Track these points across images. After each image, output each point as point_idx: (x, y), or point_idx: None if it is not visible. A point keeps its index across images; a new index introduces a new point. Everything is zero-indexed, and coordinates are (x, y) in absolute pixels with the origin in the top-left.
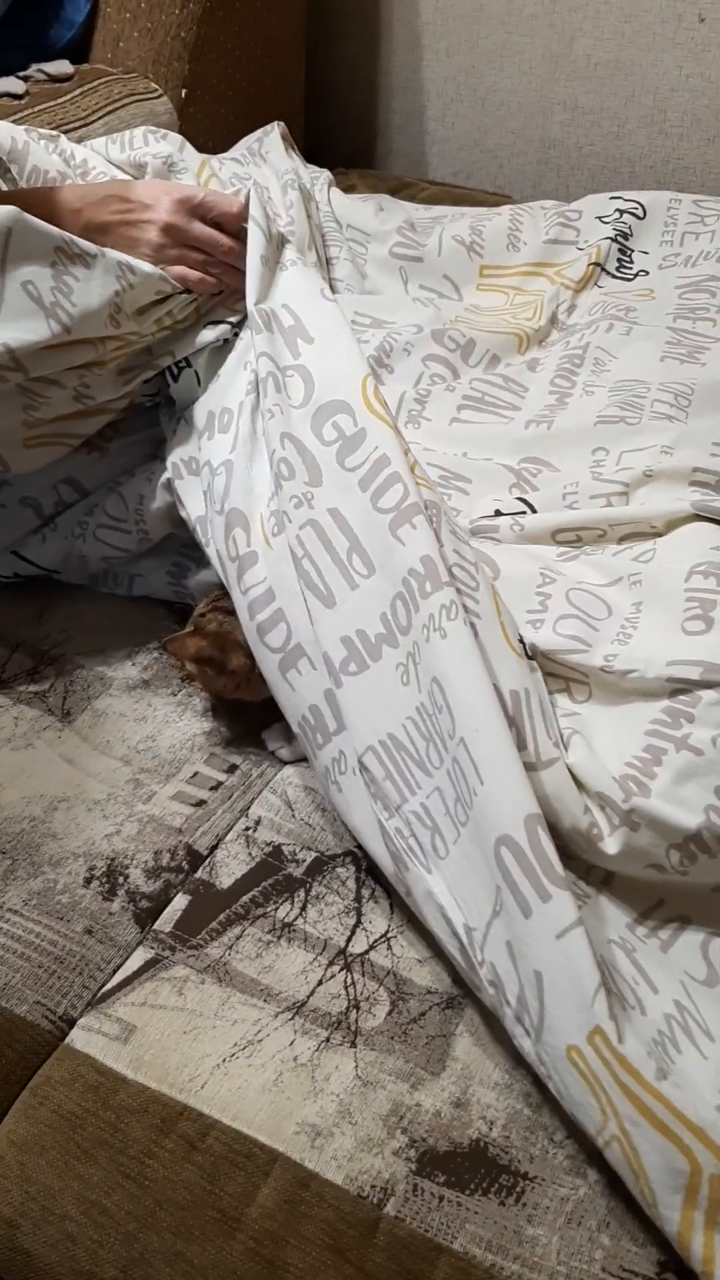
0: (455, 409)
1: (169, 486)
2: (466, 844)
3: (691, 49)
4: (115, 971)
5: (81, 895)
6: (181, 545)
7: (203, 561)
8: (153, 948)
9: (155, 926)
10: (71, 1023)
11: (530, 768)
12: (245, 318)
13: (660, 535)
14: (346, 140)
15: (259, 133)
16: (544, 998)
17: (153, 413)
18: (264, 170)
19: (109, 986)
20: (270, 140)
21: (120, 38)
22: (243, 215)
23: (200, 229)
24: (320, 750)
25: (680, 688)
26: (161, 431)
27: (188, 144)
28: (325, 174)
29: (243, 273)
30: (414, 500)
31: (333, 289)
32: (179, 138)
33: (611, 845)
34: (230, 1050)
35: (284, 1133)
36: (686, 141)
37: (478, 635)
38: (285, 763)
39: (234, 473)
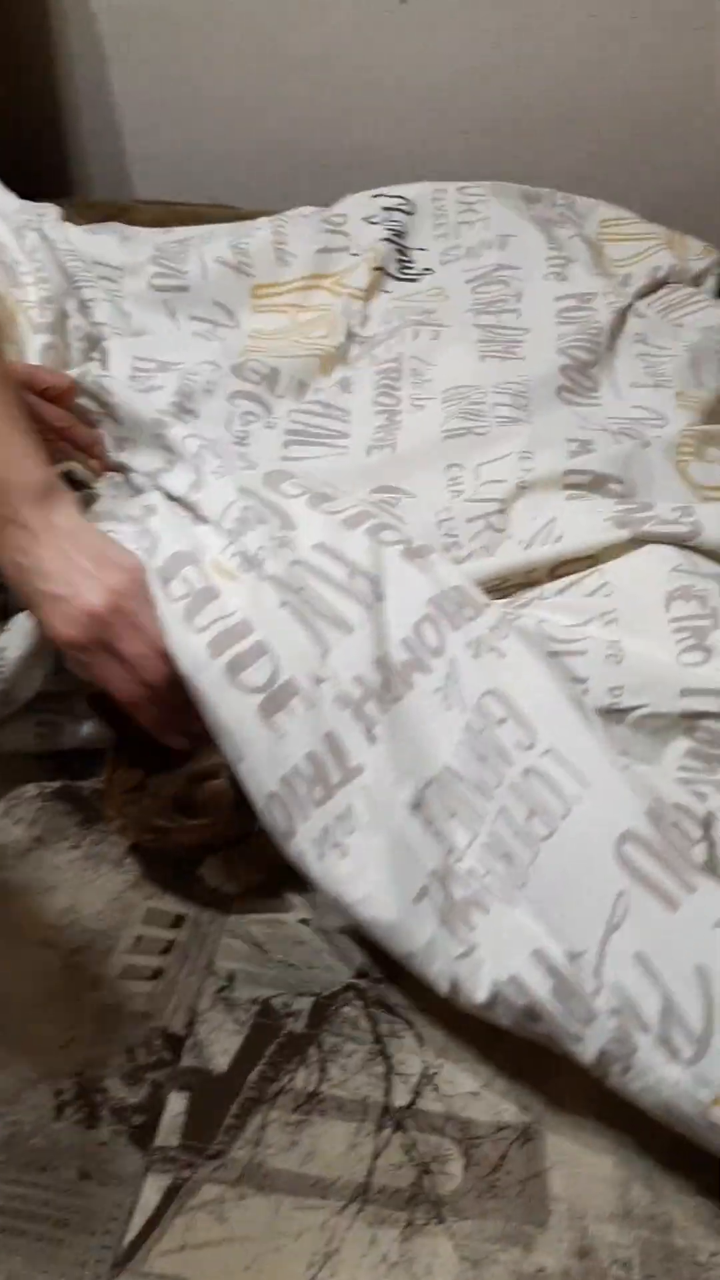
0: (281, 445)
1: None
2: (552, 861)
3: (397, 33)
4: (132, 1214)
5: (57, 1132)
6: (48, 701)
7: (79, 713)
8: (167, 1170)
9: (158, 1143)
10: None
11: None
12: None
13: (597, 563)
14: (37, 170)
15: None
16: (711, 992)
17: None
18: None
19: (132, 1237)
20: None
21: None
22: (74, 390)
23: (32, 399)
24: (316, 809)
25: (694, 724)
26: None
27: None
28: (53, 209)
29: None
30: (422, 543)
31: (98, 334)
32: None
33: (697, 853)
34: (308, 1272)
35: None
36: (409, 128)
37: (531, 646)
38: (232, 897)
39: (162, 538)
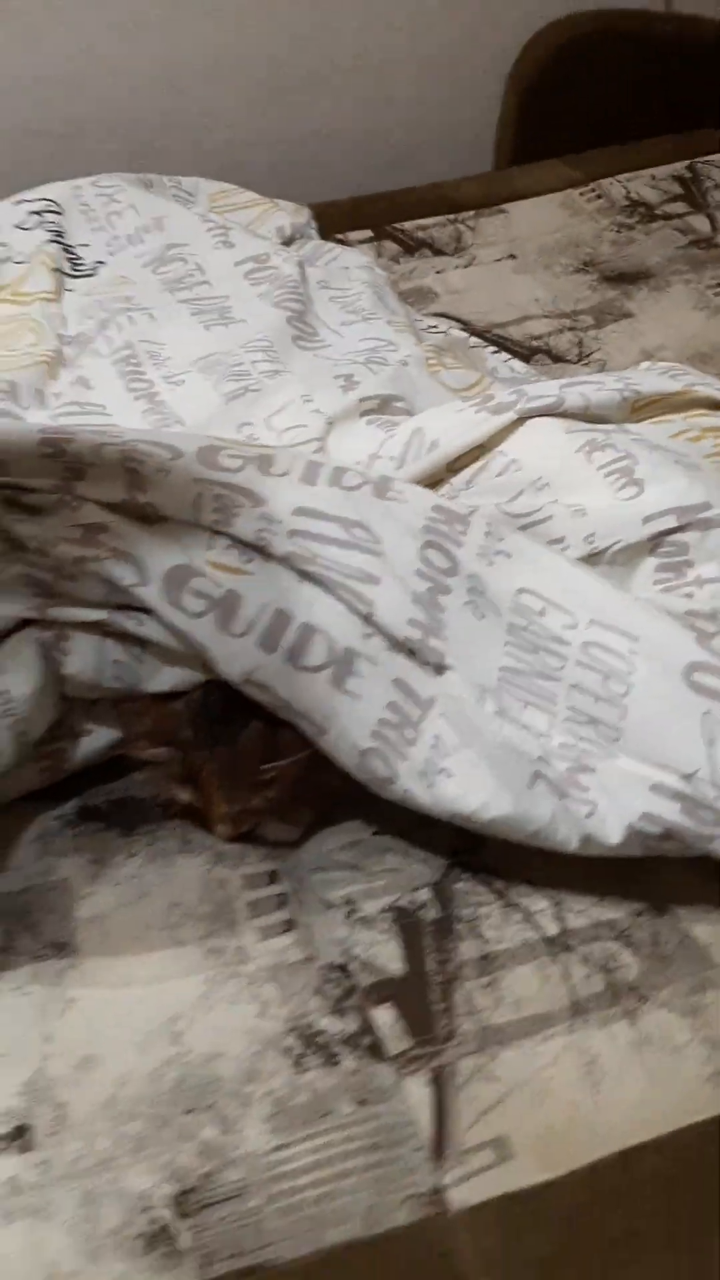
0: None
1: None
2: (638, 711)
3: None
4: (415, 1114)
5: (311, 1082)
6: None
7: (78, 730)
8: (419, 1068)
9: (394, 1052)
10: (439, 1191)
11: None
12: None
13: (484, 451)
14: None
15: None
16: None
17: None
18: None
19: (429, 1134)
20: None
21: None
22: None
23: None
24: (411, 748)
25: (658, 544)
26: None
27: None
28: None
29: None
30: (377, 477)
31: None
32: None
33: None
34: (588, 1079)
35: (704, 1098)
36: None
37: (525, 536)
38: (296, 842)
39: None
